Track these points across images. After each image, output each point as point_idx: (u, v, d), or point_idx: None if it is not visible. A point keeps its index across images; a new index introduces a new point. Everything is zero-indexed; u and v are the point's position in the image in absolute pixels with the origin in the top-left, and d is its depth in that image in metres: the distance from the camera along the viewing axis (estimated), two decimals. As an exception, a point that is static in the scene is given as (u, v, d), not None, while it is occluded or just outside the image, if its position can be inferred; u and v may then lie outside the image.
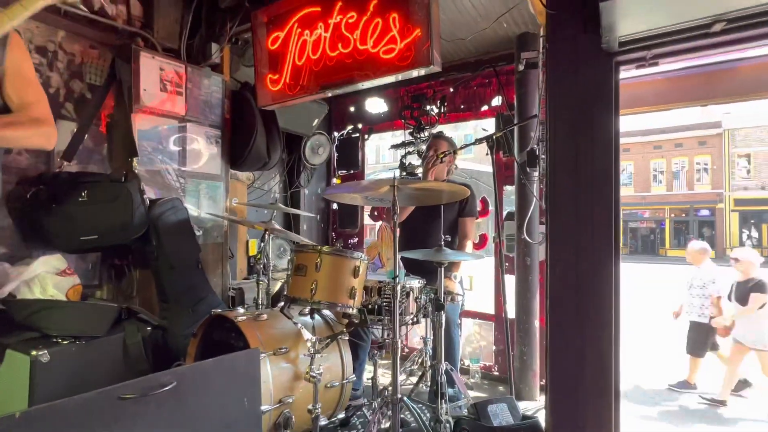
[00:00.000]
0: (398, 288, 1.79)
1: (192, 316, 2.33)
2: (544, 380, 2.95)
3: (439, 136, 2.94)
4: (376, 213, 4.07)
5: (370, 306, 2.19)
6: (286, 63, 2.43)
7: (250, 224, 2.73)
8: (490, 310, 3.28)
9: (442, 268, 2.13)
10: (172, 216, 2.26)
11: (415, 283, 2.22)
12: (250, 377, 1.51)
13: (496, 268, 3.27)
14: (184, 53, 2.76)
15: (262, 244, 2.70)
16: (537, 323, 2.87)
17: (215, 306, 2.48)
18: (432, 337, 2.42)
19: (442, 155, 2.57)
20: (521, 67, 2.50)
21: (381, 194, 1.95)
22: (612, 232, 1.49)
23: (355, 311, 1.97)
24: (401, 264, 2.62)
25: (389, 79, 2.10)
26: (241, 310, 2.23)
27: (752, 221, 20.10)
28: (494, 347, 3.24)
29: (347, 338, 2.28)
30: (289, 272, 1.99)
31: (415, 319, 2.23)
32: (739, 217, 20.39)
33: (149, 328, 1.87)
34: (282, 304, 1.96)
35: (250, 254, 3.39)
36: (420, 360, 3.02)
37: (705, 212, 21.52)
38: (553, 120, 1.61)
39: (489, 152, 2.39)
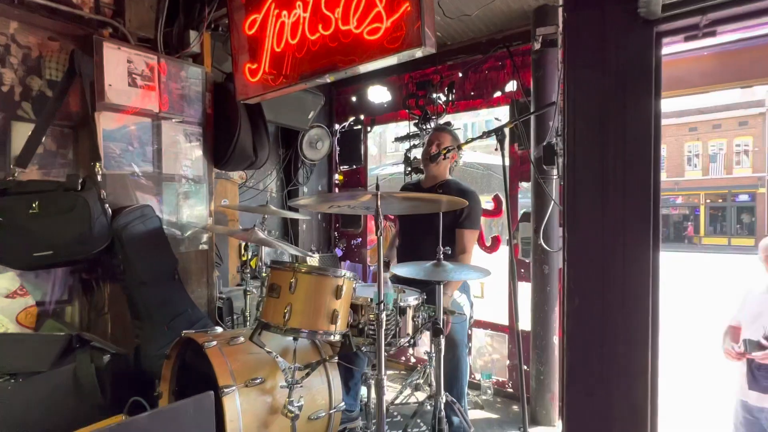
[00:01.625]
0: (383, 316, 1.51)
1: (168, 334, 2.12)
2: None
3: (441, 128, 2.61)
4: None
5: (360, 326, 1.92)
6: (264, 49, 2.14)
7: (229, 234, 2.49)
8: (504, 320, 2.96)
9: (441, 286, 1.83)
10: (139, 226, 2.04)
11: (412, 299, 1.94)
12: (203, 429, 1.27)
13: (510, 272, 2.94)
14: (161, 43, 2.51)
15: (248, 252, 2.47)
16: (556, 339, 2.54)
17: (195, 321, 2.28)
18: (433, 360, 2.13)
19: (445, 151, 2.24)
20: (537, 46, 2.14)
21: (366, 202, 1.66)
22: (650, 257, 1.15)
23: (337, 338, 1.70)
24: (387, 279, 2.35)
25: (378, 64, 1.78)
26: (218, 329, 2.01)
27: (797, 206, 18.75)
28: (508, 361, 2.93)
29: (336, 360, 2.03)
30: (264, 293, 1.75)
31: (412, 341, 1.96)
32: (783, 202, 19.06)
33: (107, 357, 1.65)
34: (254, 330, 1.70)
35: (243, 258, 3.18)
36: (425, 374, 2.76)
37: (744, 197, 20.19)
38: (572, 111, 1.27)
39: (498, 147, 2.05)
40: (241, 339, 1.88)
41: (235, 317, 2.76)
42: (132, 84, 2.23)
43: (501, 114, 3.05)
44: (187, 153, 2.50)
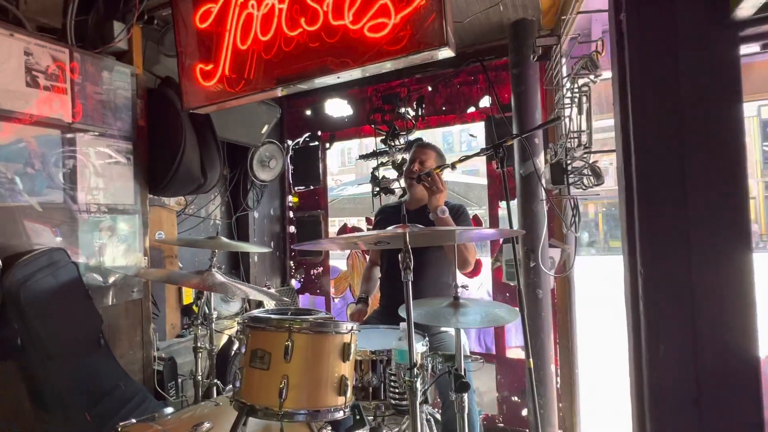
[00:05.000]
0: (418, 385, 1.18)
1: (90, 425, 1.54)
2: (561, 432, 2.49)
3: (425, 144, 2.36)
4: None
5: (361, 385, 1.56)
6: (224, 47, 1.72)
7: (173, 281, 1.97)
8: (490, 348, 2.76)
9: (461, 330, 1.54)
10: (47, 279, 1.46)
11: (420, 345, 1.62)
12: None
13: (494, 297, 2.78)
14: (71, 33, 1.94)
15: (200, 301, 1.97)
16: (552, 368, 2.39)
17: (128, 399, 1.71)
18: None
19: (437, 170, 1.98)
20: (534, 57, 2.01)
21: (378, 237, 1.33)
22: (749, 282, 0.99)
23: (347, 413, 1.32)
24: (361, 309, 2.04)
25: (380, 67, 1.48)
26: (168, 410, 1.50)
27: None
28: (497, 393, 2.72)
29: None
30: (241, 362, 1.30)
31: (424, 397, 1.63)
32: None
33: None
34: (236, 420, 1.25)
35: (185, 303, 2.59)
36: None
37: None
38: (640, 122, 1.09)
39: (498, 166, 1.85)
40: (207, 426, 1.39)
41: (180, 381, 2.18)
42: (32, 84, 1.65)
43: (476, 130, 2.91)
44: (112, 176, 1.93)
